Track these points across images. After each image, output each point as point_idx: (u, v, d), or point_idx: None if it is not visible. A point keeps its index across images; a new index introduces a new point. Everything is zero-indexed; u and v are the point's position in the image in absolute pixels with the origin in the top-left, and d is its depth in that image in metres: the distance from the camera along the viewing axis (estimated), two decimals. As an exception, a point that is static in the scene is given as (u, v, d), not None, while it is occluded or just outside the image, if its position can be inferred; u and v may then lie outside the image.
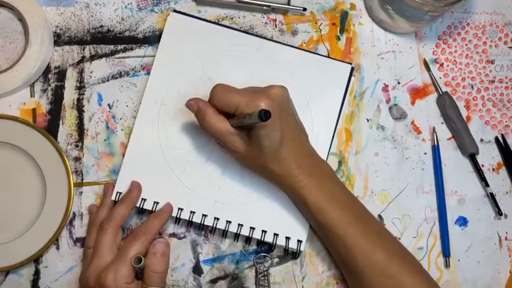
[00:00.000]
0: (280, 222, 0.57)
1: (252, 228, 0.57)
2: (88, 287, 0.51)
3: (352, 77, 0.61)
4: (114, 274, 0.50)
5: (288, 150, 0.51)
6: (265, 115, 0.45)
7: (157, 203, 0.56)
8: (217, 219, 0.57)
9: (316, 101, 0.59)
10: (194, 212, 0.57)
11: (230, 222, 0.57)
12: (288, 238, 0.57)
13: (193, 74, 0.59)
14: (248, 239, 0.58)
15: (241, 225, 0.57)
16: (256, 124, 0.49)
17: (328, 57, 0.61)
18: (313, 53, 0.60)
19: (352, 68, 0.60)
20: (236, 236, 0.57)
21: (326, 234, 0.54)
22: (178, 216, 0.56)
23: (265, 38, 0.60)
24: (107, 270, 0.50)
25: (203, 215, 0.57)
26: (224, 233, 0.57)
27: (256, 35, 0.60)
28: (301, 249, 0.57)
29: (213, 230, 0.57)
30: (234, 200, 0.57)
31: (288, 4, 0.60)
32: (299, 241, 0.57)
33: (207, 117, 0.52)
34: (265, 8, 0.60)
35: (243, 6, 0.61)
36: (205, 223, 0.56)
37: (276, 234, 0.57)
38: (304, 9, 0.61)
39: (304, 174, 0.52)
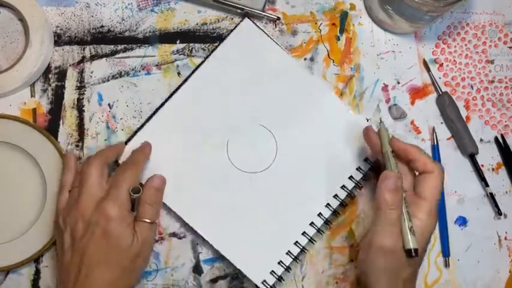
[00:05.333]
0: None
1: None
2: (82, 222, 0.50)
3: (353, 77, 0.61)
4: (115, 202, 0.49)
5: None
6: (414, 253, 0.48)
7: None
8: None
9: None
10: None
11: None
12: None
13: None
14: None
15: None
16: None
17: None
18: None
19: (249, 18, 0.60)
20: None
21: None
22: None
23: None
24: (106, 199, 0.50)
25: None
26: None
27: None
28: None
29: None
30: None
31: (263, 11, 0.60)
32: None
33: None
34: (238, 11, 0.60)
35: (217, 6, 0.60)
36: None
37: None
38: (278, 18, 0.60)
39: None
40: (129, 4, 0.61)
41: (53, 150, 0.57)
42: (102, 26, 0.60)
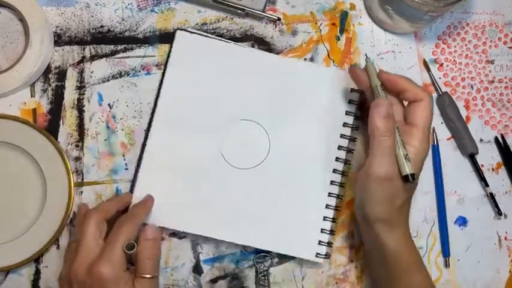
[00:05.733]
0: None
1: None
2: (77, 283, 0.48)
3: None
4: (109, 262, 0.48)
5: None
6: (411, 178, 0.49)
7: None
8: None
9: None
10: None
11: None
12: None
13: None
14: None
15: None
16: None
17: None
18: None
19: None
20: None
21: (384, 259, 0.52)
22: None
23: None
24: (100, 260, 0.48)
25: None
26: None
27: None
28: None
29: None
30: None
31: (263, 11, 0.60)
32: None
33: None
34: (239, 11, 0.60)
35: (217, 6, 0.60)
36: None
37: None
38: (279, 19, 0.60)
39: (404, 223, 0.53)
40: (129, 4, 0.61)
41: (53, 150, 0.57)
42: (102, 26, 0.60)
